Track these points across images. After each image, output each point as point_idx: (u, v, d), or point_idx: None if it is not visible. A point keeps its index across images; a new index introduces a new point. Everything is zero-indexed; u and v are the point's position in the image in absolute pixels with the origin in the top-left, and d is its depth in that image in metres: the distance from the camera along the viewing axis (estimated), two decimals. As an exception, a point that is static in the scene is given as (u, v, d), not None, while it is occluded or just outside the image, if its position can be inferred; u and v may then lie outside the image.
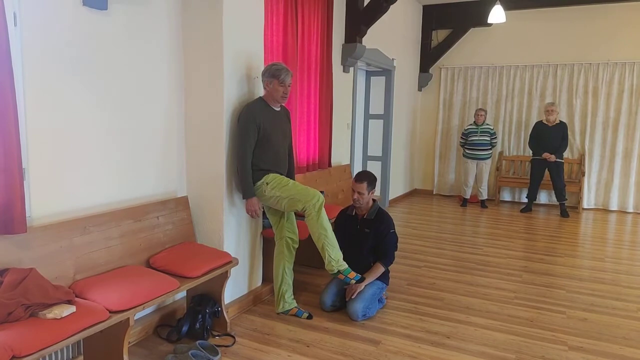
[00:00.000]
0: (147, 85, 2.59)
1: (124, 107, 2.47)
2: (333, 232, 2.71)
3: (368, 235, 2.98)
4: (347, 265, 2.71)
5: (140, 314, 2.53)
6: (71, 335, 1.70)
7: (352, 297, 2.82)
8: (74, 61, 2.19)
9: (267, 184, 2.75)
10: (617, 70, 6.31)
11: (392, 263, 3.01)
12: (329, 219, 3.57)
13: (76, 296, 1.96)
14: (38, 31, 2.02)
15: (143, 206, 2.55)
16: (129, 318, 1.96)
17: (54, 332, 1.66)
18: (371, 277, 2.90)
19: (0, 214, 1.82)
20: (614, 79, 6.34)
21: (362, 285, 2.84)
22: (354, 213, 3.09)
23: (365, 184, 2.95)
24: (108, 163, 2.41)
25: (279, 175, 2.81)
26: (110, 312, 1.90)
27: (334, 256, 2.67)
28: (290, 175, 3.03)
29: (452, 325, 2.79)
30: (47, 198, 2.12)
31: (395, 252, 3.06)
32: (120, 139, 2.47)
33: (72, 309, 1.78)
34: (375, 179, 3.03)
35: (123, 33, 2.42)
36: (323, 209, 2.67)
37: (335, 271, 2.69)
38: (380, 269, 2.94)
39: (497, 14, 5.60)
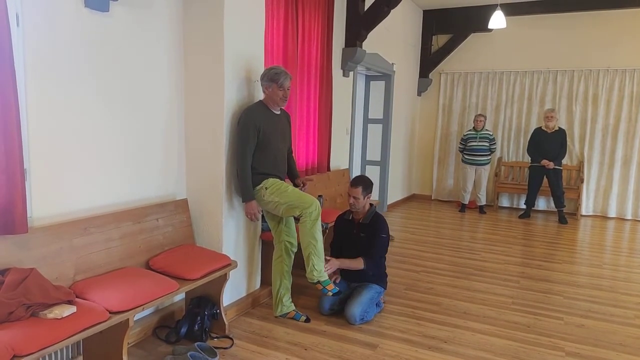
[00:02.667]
0: (147, 87, 2.61)
1: (124, 109, 2.49)
2: (322, 244, 2.72)
3: (364, 240, 2.99)
4: (327, 277, 2.73)
5: (139, 315, 2.54)
6: (71, 335, 1.71)
7: (328, 270, 2.77)
8: (75, 62, 2.21)
9: (266, 188, 2.76)
10: (617, 77, 6.35)
11: (373, 265, 2.94)
12: (328, 223, 3.61)
13: (76, 297, 1.96)
14: (40, 32, 2.04)
15: (143, 208, 2.56)
16: (128, 319, 1.97)
17: (54, 332, 1.67)
18: (347, 263, 2.90)
19: (1, 214, 1.83)
20: (614, 85, 6.38)
21: (338, 264, 2.85)
22: (350, 217, 3.11)
23: (360, 189, 2.96)
24: (108, 165, 2.42)
25: (278, 180, 2.82)
26: (110, 312, 1.90)
27: (317, 267, 2.69)
28: (293, 175, 3.04)
29: (450, 330, 2.80)
30: (48, 199, 2.13)
31: (382, 258, 3.03)
32: (120, 141, 2.48)
33: (72, 309, 1.79)
34: (371, 183, 3.04)
35: (124, 35, 2.44)
36: (319, 219, 2.69)
37: (315, 281, 2.70)
38: (358, 264, 2.90)
39: (497, 20, 5.63)
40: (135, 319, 2.10)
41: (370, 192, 3.02)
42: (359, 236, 3.01)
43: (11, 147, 1.80)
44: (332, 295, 2.78)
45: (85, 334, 1.77)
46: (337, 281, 2.99)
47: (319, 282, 2.70)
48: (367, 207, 3.05)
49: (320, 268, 2.70)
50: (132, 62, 2.50)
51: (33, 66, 2.02)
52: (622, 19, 6.25)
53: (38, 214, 2.08)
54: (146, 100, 2.61)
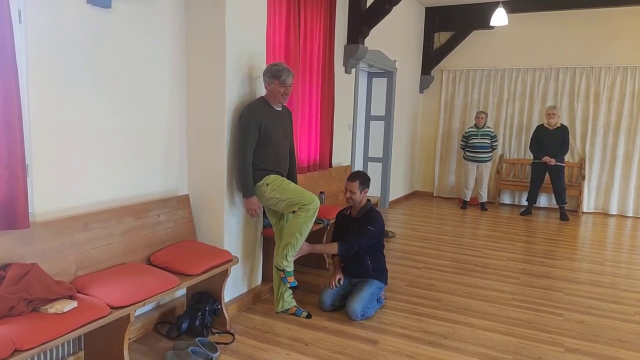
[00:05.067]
0: (149, 83, 2.61)
1: (126, 104, 2.49)
2: (304, 240, 2.78)
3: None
4: (292, 270, 2.77)
5: (140, 310, 2.55)
6: (72, 330, 1.72)
7: (297, 254, 2.81)
8: (77, 58, 2.21)
9: (267, 185, 2.76)
10: (618, 75, 6.33)
11: (347, 252, 2.91)
12: (329, 219, 3.61)
13: (78, 292, 1.97)
14: (42, 28, 2.04)
15: (144, 204, 2.57)
16: (129, 314, 1.98)
17: (55, 326, 1.68)
18: (319, 248, 2.98)
19: (3, 209, 1.84)
20: (615, 83, 6.35)
21: (309, 249, 2.90)
22: (348, 213, 3.11)
23: (357, 183, 2.96)
24: (110, 160, 2.43)
25: (279, 176, 2.82)
26: (111, 308, 1.91)
27: (289, 257, 2.74)
28: (292, 176, 3.04)
29: (450, 326, 2.81)
30: (49, 194, 2.14)
31: (381, 253, 3.05)
32: (122, 137, 2.49)
33: (73, 304, 1.80)
34: (368, 178, 3.04)
35: (126, 31, 2.44)
36: (314, 217, 2.72)
37: (281, 268, 2.75)
38: (332, 248, 2.92)
39: (499, 17, 5.62)
40: (136, 314, 2.11)
41: (367, 187, 3.03)
42: (355, 231, 3.01)
43: (13, 143, 1.81)
44: (290, 287, 2.83)
45: (86, 329, 1.78)
46: (341, 282, 3.00)
47: (284, 270, 2.75)
48: (364, 202, 3.06)
49: (291, 260, 2.76)
50: (134, 58, 2.50)
51: (35, 62, 2.02)
52: (624, 17, 6.22)
53: (39, 210, 2.09)
54: (148, 96, 2.61)
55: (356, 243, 2.91)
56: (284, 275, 2.76)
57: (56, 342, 1.66)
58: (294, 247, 2.73)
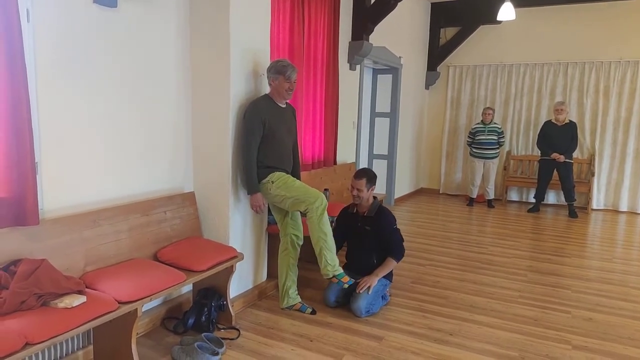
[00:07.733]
0: (155, 82, 2.64)
1: (132, 103, 2.52)
2: (332, 236, 2.73)
3: (369, 232, 2.99)
4: (342, 270, 2.74)
5: (147, 306, 2.58)
6: (82, 324, 1.75)
7: (361, 291, 2.83)
8: (84, 57, 2.24)
9: (273, 182, 2.78)
10: (629, 69, 6.24)
11: (403, 256, 3.05)
12: (333, 217, 3.61)
13: (86, 287, 2.00)
14: (50, 27, 2.07)
15: (151, 201, 2.60)
16: (137, 309, 2.00)
17: (65, 320, 1.71)
18: (383, 272, 2.93)
19: (13, 206, 1.87)
20: (625, 77, 6.27)
21: (375, 279, 2.87)
22: (354, 211, 3.11)
23: (364, 181, 2.96)
24: (117, 158, 2.46)
25: (284, 174, 2.83)
26: (119, 302, 1.94)
27: (331, 261, 2.70)
28: (295, 173, 3.05)
29: (456, 323, 2.81)
30: (58, 192, 2.17)
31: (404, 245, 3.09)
32: (129, 135, 2.51)
33: (82, 299, 1.83)
34: (374, 175, 3.04)
35: (132, 30, 2.47)
36: (325, 212, 2.69)
37: (330, 275, 2.71)
38: (391, 264, 2.96)
39: (506, 11, 5.56)
40: (143, 309, 2.14)
41: (374, 184, 3.02)
42: (364, 229, 3.01)
43: (22, 142, 1.84)
44: (348, 287, 2.79)
45: (95, 323, 1.81)
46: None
47: (334, 276, 2.71)
48: (371, 200, 3.06)
49: (334, 262, 2.71)
50: (139, 57, 2.52)
51: (43, 61, 2.05)
52: (634, 10, 6.13)
53: (49, 207, 2.13)
54: (154, 94, 2.64)
55: (401, 247, 3.03)
56: (337, 280, 2.71)
57: (66, 335, 1.70)
58: (328, 249, 2.69)
